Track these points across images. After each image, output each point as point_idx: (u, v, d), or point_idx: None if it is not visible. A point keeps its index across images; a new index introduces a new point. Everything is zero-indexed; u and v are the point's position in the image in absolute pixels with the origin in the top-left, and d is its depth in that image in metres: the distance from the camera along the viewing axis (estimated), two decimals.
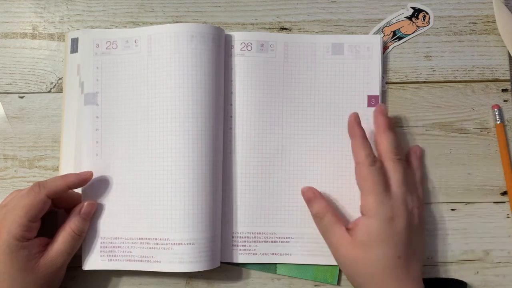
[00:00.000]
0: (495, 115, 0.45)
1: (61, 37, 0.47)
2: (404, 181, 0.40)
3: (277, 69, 0.45)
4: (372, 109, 0.44)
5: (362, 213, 0.40)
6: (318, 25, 0.47)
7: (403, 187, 0.40)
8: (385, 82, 0.46)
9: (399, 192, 0.39)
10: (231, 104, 0.44)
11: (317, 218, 0.42)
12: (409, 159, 0.44)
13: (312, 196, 0.42)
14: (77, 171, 0.43)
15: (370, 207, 0.39)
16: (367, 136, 0.41)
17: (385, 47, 0.46)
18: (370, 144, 0.41)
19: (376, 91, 0.45)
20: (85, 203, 0.41)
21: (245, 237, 0.43)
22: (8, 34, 0.47)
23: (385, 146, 0.41)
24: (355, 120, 0.42)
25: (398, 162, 0.40)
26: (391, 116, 0.46)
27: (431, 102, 0.46)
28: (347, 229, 0.40)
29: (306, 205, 0.43)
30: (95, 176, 0.42)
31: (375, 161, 0.40)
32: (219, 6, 0.47)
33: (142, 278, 0.44)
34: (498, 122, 0.45)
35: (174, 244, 0.41)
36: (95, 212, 0.42)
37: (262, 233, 0.44)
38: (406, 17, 0.47)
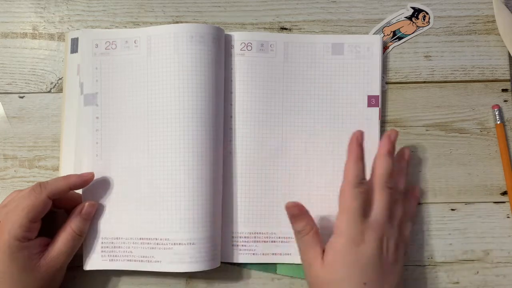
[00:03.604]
0: (495, 115, 0.45)
1: (61, 37, 0.47)
2: (386, 209, 0.39)
3: (277, 69, 0.45)
4: (373, 109, 0.44)
5: (333, 232, 0.39)
6: (318, 25, 0.47)
7: (384, 218, 0.38)
8: (385, 82, 0.46)
9: (377, 220, 0.38)
10: (231, 104, 0.44)
11: (300, 235, 0.40)
12: (408, 194, 0.43)
13: (298, 213, 0.40)
14: (77, 172, 0.43)
15: (340, 226, 0.38)
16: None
17: (385, 47, 0.46)
18: (363, 166, 0.39)
19: (376, 91, 0.45)
20: (86, 204, 0.41)
21: (245, 237, 0.43)
22: (8, 34, 0.47)
23: (379, 170, 0.40)
24: (357, 139, 0.40)
25: (386, 189, 0.39)
26: (391, 116, 0.46)
27: (431, 102, 0.46)
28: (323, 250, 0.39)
29: (310, 206, 0.43)
30: (95, 176, 0.42)
31: (362, 183, 0.38)
32: (219, 6, 0.47)
33: (142, 278, 0.44)
34: (498, 122, 0.45)
35: (174, 244, 0.41)
36: (95, 213, 0.42)
37: (262, 233, 0.44)
38: (406, 17, 0.47)
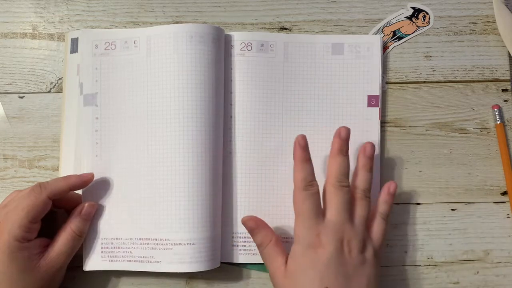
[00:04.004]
0: (495, 115, 0.45)
1: (61, 37, 0.47)
2: (342, 209, 0.38)
3: (277, 69, 0.45)
4: (373, 109, 0.44)
5: (294, 240, 0.39)
6: (318, 25, 0.47)
7: (340, 218, 0.37)
8: (385, 82, 0.46)
9: (333, 220, 0.38)
10: (231, 104, 0.44)
11: (261, 248, 0.40)
12: (380, 193, 0.41)
13: (254, 226, 0.40)
14: (77, 172, 0.43)
15: (297, 232, 0.38)
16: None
17: (385, 47, 0.46)
18: (309, 168, 0.39)
19: (376, 91, 0.45)
20: (86, 204, 0.41)
21: (245, 237, 0.43)
22: (8, 34, 0.47)
23: (331, 171, 0.39)
24: (298, 143, 0.39)
25: (339, 188, 0.38)
26: (391, 116, 0.46)
27: (431, 102, 0.46)
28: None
29: None
30: (95, 177, 0.42)
31: (311, 185, 0.38)
32: (219, 6, 0.47)
33: (142, 278, 0.44)
34: (498, 122, 0.45)
35: (174, 244, 0.41)
36: (95, 213, 0.42)
37: None
38: (406, 17, 0.47)
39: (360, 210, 0.39)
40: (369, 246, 0.38)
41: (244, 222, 0.41)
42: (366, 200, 0.39)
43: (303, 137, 0.39)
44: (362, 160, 0.41)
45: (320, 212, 0.38)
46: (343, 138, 0.40)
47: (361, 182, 0.40)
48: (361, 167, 0.40)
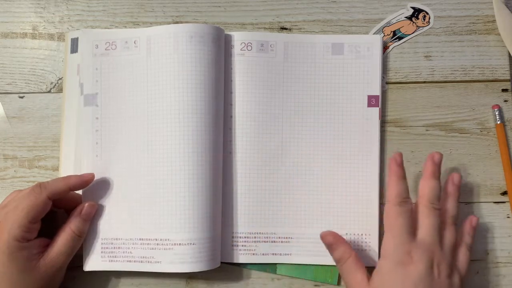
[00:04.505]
0: (495, 115, 0.45)
1: (61, 37, 0.47)
2: (434, 230, 0.38)
3: (277, 69, 0.45)
4: (373, 109, 0.44)
5: (380, 255, 0.38)
6: (318, 25, 0.47)
7: (432, 239, 0.38)
8: (385, 82, 0.46)
9: (425, 239, 0.38)
10: (231, 104, 0.44)
11: (339, 263, 0.40)
12: (463, 224, 0.42)
13: (333, 241, 0.40)
14: (77, 172, 0.43)
15: (386, 247, 0.38)
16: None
17: (385, 47, 0.46)
18: (405, 186, 0.39)
19: (376, 91, 0.45)
20: (86, 204, 0.41)
21: (245, 237, 0.43)
22: (8, 34, 0.47)
23: (424, 192, 0.39)
24: (395, 160, 0.40)
25: (432, 210, 0.38)
26: (391, 116, 0.46)
27: (431, 102, 0.46)
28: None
29: (310, 206, 0.43)
30: (95, 177, 0.42)
31: (405, 202, 0.38)
32: (219, 6, 0.47)
33: (142, 278, 0.44)
34: (498, 122, 0.45)
35: (174, 244, 0.41)
36: (95, 213, 0.42)
37: (262, 233, 0.44)
38: (406, 17, 0.47)
39: (449, 235, 0.39)
40: (455, 272, 0.38)
41: (323, 237, 0.40)
42: (454, 227, 0.40)
43: (400, 155, 0.40)
44: (451, 188, 0.41)
45: (412, 230, 0.38)
46: (437, 162, 0.41)
47: (450, 208, 0.40)
48: (449, 194, 0.41)
